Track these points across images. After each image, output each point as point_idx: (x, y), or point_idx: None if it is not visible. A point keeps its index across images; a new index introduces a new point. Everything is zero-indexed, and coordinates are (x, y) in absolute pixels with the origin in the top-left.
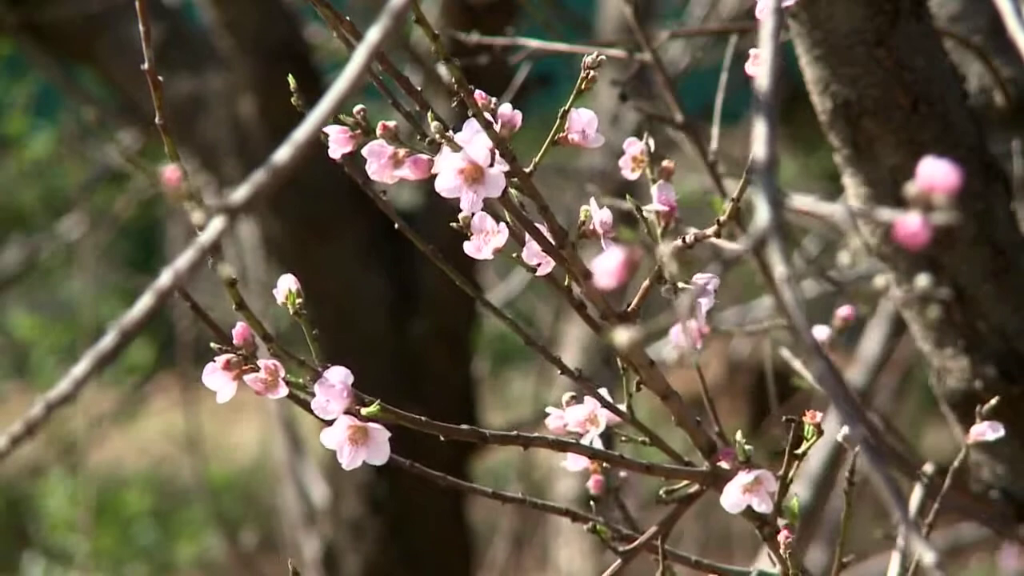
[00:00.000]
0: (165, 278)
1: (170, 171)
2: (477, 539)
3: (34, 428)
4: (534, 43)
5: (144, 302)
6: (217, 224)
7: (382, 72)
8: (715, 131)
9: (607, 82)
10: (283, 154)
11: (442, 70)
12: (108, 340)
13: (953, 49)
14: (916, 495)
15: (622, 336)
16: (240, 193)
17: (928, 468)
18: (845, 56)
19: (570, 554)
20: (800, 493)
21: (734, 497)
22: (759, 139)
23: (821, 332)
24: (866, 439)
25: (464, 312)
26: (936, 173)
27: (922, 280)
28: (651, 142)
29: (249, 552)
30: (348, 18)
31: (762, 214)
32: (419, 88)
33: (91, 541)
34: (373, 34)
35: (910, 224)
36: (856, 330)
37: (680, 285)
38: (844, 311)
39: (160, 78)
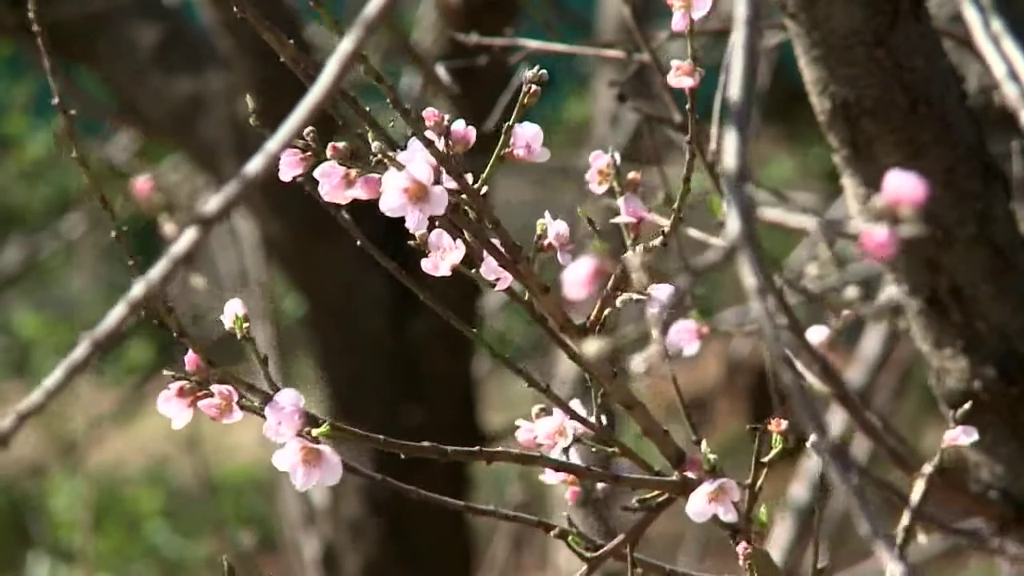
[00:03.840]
0: (138, 289)
1: (141, 182)
2: (477, 539)
3: (6, 439)
4: (533, 43)
5: (116, 313)
6: (191, 234)
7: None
8: (714, 131)
9: (606, 83)
10: (255, 164)
11: (440, 70)
12: (80, 351)
13: (953, 49)
14: (908, 507)
15: (590, 348)
16: (212, 204)
17: (927, 468)
18: (844, 56)
19: (570, 555)
20: (800, 493)
21: (699, 506)
22: (729, 150)
23: (820, 332)
24: (836, 453)
25: (464, 312)
26: (903, 186)
27: (892, 291)
28: (617, 155)
29: (248, 552)
30: (343, 14)
31: (732, 225)
32: (418, 88)
33: (97, 541)
34: (346, 44)
35: (877, 236)
36: (856, 329)
37: (637, 297)
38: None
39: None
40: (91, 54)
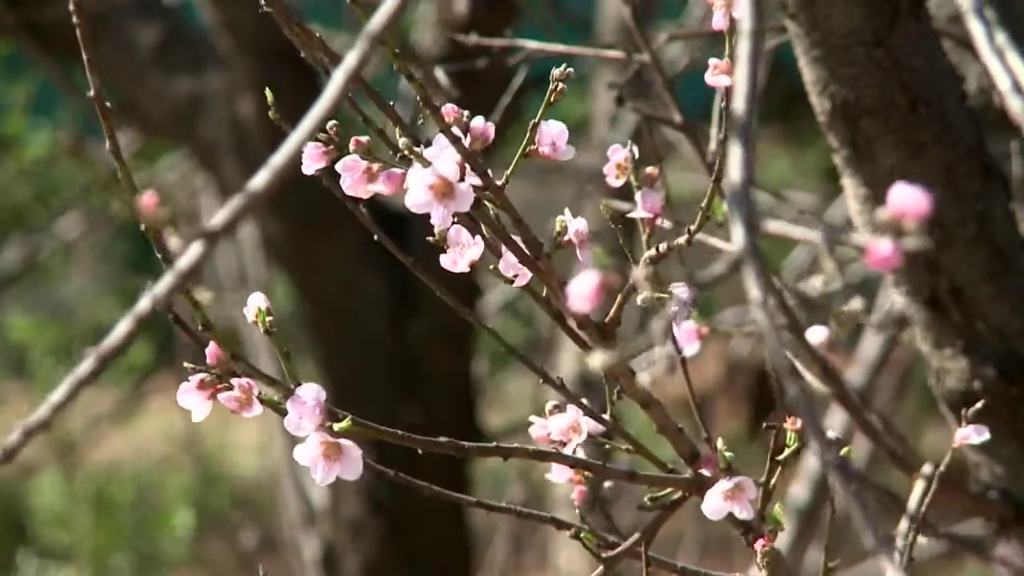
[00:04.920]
0: (144, 303)
1: (147, 197)
2: (477, 539)
3: (12, 454)
4: (532, 44)
5: (123, 327)
6: (196, 249)
7: (354, 89)
8: (714, 131)
9: (606, 83)
10: (261, 179)
11: (440, 74)
12: (86, 366)
13: (952, 49)
14: (906, 514)
15: (596, 360)
16: (218, 218)
17: (927, 469)
18: (844, 57)
19: (570, 555)
20: (800, 493)
21: (715, 504)
22: (734, 162)
23: (820, 333)
24: (839, 461)
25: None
26: (907, 199)
27: (898, 301)
28: (635, 149)
29: (249, 552)
30: (343, 16)
31: (737, 238)
32: (414, 90)
33: (83, 536)
34: (352, 58)
35: (882, 249)
36: (856, 330)
37: (657, 296)
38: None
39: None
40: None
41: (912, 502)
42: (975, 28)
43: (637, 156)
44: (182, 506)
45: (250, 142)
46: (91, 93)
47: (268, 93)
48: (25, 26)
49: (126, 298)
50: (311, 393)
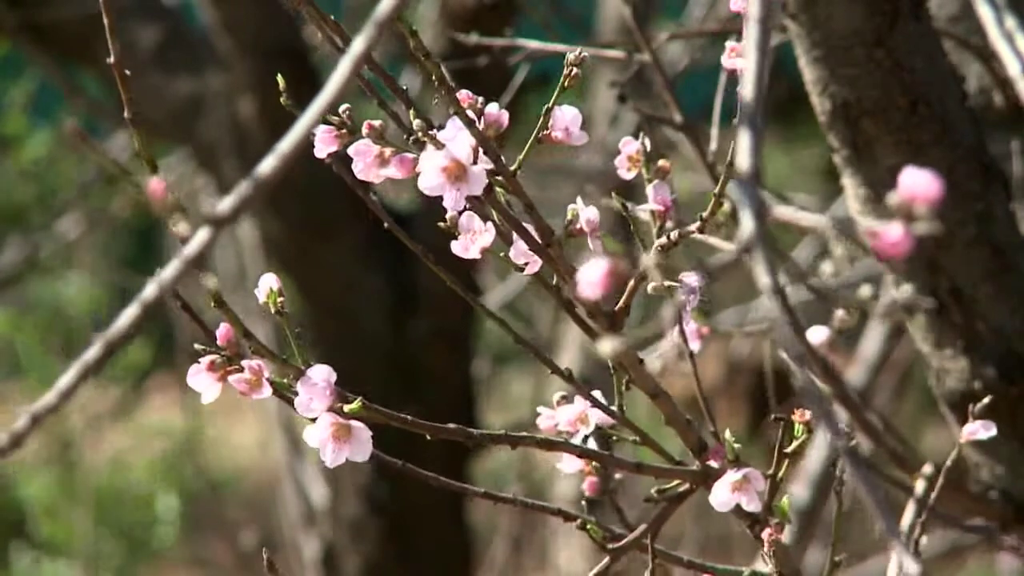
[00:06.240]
0: (151, 289)
1: (155, 182)
2: (477, 539)
3: (20, 440)
4: (533, 44)
5: (130, 313)
6: (203, 235)
7: (369, 71)
8: (714, 131)
9: (606, 82)
10: (269, 164)
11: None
12: (94, 351)
13: (953, 50)
14: (914, 498)
15: (607, 346)
16: (226, 204)
17: (927, 469)
18: (844, 57)
19: (570, 554)
20: (800, 493)
21: (723, 496)
22: (742, 149)
23: (820, 333)
24: (852, 450)
25: (464, 312)
26: (918, 183)
27: (905, 290)
28: (647, 141)
29: (249, 552)
30: (342, 15)
31: (746, 225)
32: (418, 84)
33: (79, 530)
34: (359, 44)
35: (892, 235)
36: (856, 329)
37: (667, 284)
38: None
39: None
40: (91, 54)
41: (922, 497)
42: (984, 12)
43: (648, 149)
44: (165, 493)
45: (250, 142)
46: (111, 60)
47: (280, 80)
48: (25, 26)
49: (124, 298)
50: (322, 374)
